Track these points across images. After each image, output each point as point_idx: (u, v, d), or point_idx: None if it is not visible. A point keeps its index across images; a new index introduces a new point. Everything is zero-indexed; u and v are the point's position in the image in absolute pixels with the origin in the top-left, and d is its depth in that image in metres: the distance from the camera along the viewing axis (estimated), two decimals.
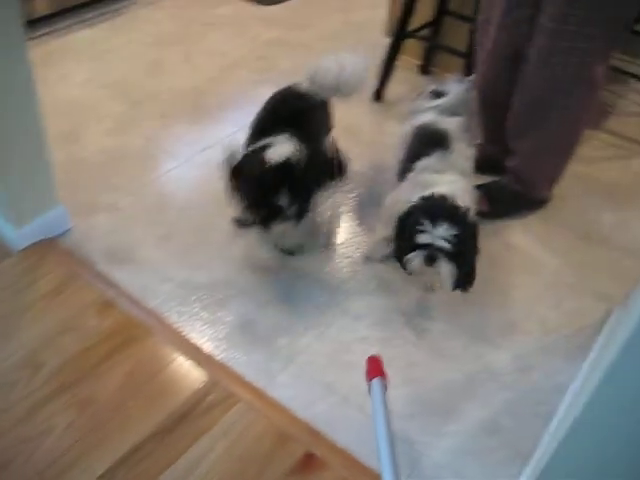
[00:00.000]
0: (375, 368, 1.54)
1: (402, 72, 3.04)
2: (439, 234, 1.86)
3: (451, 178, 2.02)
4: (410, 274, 1.97)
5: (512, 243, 2.34)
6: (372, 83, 2.93)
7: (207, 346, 1.89)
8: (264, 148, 1.96)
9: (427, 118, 2.21)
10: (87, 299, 1.95)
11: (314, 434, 1.71)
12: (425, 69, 3.17)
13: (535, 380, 1.92)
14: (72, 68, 2.90)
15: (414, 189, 2.00)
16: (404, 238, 1.95)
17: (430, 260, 1.90)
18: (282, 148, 1.94)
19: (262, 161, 1.91)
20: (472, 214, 1.93)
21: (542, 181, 2.48)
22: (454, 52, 2.74)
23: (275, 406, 1.76)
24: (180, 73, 2.97)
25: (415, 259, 1.91)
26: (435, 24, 3.03)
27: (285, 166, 1.90)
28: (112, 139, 2.55)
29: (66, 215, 2.14)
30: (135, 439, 1.64)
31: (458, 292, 2.10)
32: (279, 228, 1.99)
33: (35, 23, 3.04)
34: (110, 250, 2.12)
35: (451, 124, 2.18)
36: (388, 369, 1.86)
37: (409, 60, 3.15)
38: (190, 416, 1.70)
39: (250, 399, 1.76)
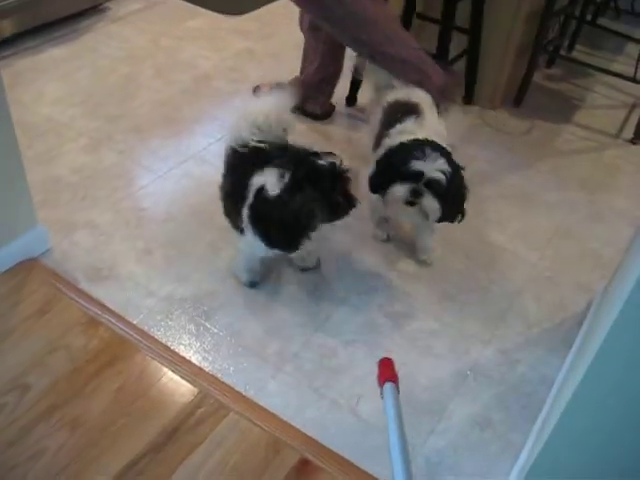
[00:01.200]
0: (387, 371, 1.51)
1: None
2: (435, 166, 1.88)
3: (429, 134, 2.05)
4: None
5: (490, 240, 2.37)
6: (346, 87, 2.95)
7: (195, 359, 1.89)
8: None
9: (398, 94, 2.27)
10: (72, 318, 1.94)
11: (307, 440, 1.72)
12: None
13: (522, 373, 1.96)
14: (44, 87, 2.88)
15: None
16: (392, 166, 1.95)
17: (416, 195, 1.93)
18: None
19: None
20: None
21: None
22: None
23: (267, 414, 1.76)
24: (153, 87, 2.97)
25: (399, 190, 1.93)
26: (404, 25, 3.05)
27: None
28: (87, 156, 2.54)
29: (46, 235, 2.13)
30: (128, 457, 1.63)
31: (437, 291, 2.14)
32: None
33: (2, 44, 3.02)
34: (91, 267, 2.11)
35: (421, 97, 2.24)
36: (375, 371, 1.89)
37: None
38: (182, 430, 1.70)
39: (241, 409, 1.76)
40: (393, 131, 2.12)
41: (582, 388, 1.11)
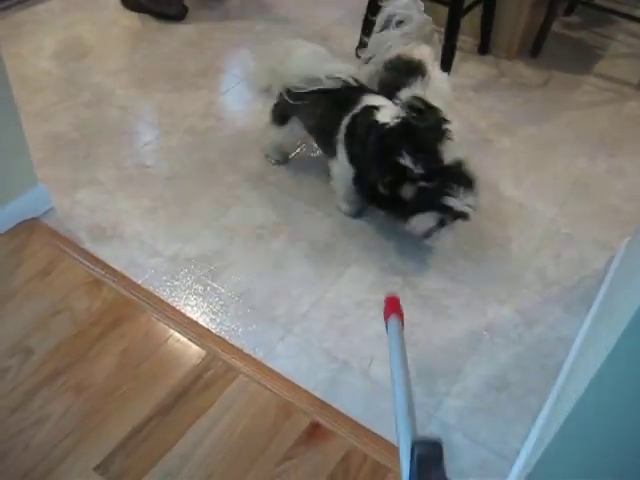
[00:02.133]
0: (392, 307, 1.51)
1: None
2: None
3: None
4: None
5: (506, 195, 2.29)
6: (355, 38, 2.84)
7: (202, 320, 1.83)
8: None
9: (397, 50, 2.20)
10: (75, 279, 1.88)
11: (318, 403, 1.67)
12: None
13: (539, 333, 1.89)
14: (43, 40, 2.78)
15: None
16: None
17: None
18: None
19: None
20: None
21: None
22: (438, 1, 2.63)
23: (276, 377, 1.71)
24: (156, 39, 2.86)
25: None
26: None
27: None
28: (89, 112, 2.45)
29: (47, 194, 2.06)
30: (134, 421, 1.59)
31: (451, 248, 2.10)
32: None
33: None
34: (95, 227, 2.05)
35: (422, 53, 2.18)
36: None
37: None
38: (189, 393, 1.66)
39: (250, 371, 1.71)
40: (401, 97, 2.04)
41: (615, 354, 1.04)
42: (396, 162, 1.91)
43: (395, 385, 1.28)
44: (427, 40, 2.27)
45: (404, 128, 1.93)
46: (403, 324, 1.47)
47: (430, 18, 2.30)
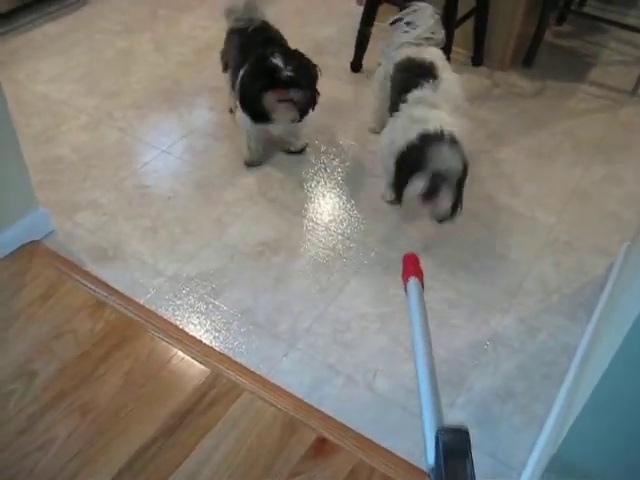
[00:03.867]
0: (411, 267, 1.39)
1: (378, 40, 2.96)
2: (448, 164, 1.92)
3: (443, 115, 2.03)
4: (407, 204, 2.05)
5: (504, 205, 2.30)
6: (349, 53, 2.86)
7: (205, 338, 1.84)
8: None
9: (408, 52, 2.23)
10: (78, 301, 1.88)
11: (324, 418, 1.67)
12: None
13: (542, 342, 1.90)
14: (40, 65, 2.80)
15: (410, 126, 2.02)
16: (407, 170, 1.98)
17: (434, 188, 1.94)
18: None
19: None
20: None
21: None
22: None
23: (281, 393, 1.71)
24: (152, 61, 2.88)
25: (418, 184, 1.94)
26: None
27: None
28: (87, 134, 2.47)
29: (47, 217, 2.07)
30: (140, 442, 1.59)
31: (453, 259, 2.09)
32: None
33: None
34: (96, 248, 2.05)
35: (432, 54, 2.21)
36: (393, 344, 1.84)
37: (383, 27, 3.07)
38: (195, 412, 1.65)
39: (255, 388, 1.71)
40: (412, 98, 2.08)
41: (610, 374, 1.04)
42: (268, 62, 2.09)
43: (417, 359, 1.13)
44: (438, 44, 2.29)
45: (278, 44, 2.24)
46: (423, 286, 1.33)
47: (440, 22, 2.30)
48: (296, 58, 2.15)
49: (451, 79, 2.17)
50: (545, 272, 2.08)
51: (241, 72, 2.22)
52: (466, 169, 2.00)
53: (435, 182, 1.94)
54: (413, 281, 1.31)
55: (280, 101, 2.16)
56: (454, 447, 0.88)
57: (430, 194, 1.96)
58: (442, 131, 1.95)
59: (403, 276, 1.36)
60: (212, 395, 1.69)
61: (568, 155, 2.52)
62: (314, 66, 2.22)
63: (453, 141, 1.95)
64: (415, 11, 2.26)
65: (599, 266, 2.10)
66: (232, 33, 2.42)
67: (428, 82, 2.09)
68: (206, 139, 2.48)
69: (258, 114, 2.21)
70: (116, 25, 3.11)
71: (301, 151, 2.44)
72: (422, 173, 1.94)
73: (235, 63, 2.29)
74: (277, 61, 2.09)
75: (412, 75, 2.14)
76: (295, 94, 2.16)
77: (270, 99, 2.15)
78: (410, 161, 1.98)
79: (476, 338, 1.89)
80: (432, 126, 1.96)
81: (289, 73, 2.10)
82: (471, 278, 2.05)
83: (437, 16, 2.27)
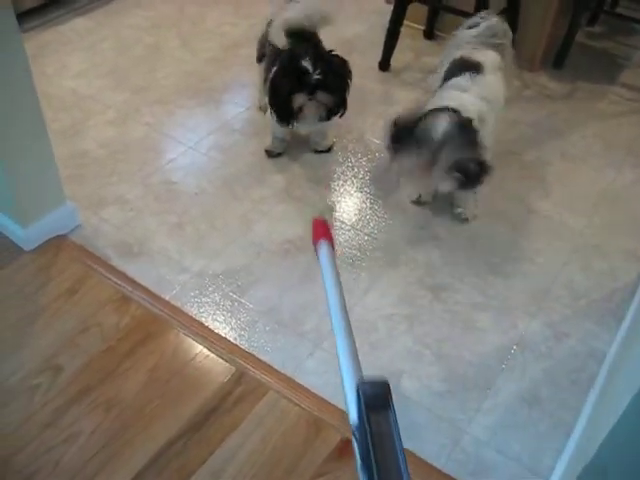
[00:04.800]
0: (321, 230, 1.35)
1: (406, 39, 2.95)
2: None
3: (468, 98, 2.05)
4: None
5: (534, 208, 2.27)
6: (378, 52, 2.84)
7: (230, 336, 1.83)
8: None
9: (463, 52, 2.24)
10: (103, 296, 1.89)
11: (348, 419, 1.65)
12: (430, 34, 3.07)
13: (570, 347, 1.87)
14: (68, 59, 2.82)
15: (433, 102, 2.07)
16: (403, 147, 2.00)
17: (426, 158, 1.94)
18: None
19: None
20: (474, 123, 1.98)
21: None
22: (460, 13, 2.63)
23: (306, 393, 1.70)
24: (179, 57, 2.88)
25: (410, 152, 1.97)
26: None
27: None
28: (114, 129, 2.47)
29: (75, 211, 2.08)
30: (164, 438, 1.59)
31: (480, 262, 2.07)
32: None
33: (25, 16, 2.94)
34: (122, 243, 2.05)
35: (486, 56, 2.21)
36: (419, 346, 1.82)
37: (413, 26, 3.06)
38: (220, 410, 1.65)
39: (280, 387, 1.70)
40: (447, 84, 2.13)
41: None
42: (297, 64, 2.09)
43: (333, 317, 1.13)
44: (499, 49, 2.28)
45: (312, 45, 2.21)
46: (334, 248, 1.31)
47: (507, 28, 2.31)
48: (326, 61, 2.14)
49: (494, 79, 2.17)
50: (574, 276, 2.05)
51: (274, 68, 2.21)
52: (475, 148, 1.97)
53: (428, 153, 1.94)
54: (324, 243, 1.30)
55: (307, 103, 2.16)
56: (375, 399, 0.86)
57: (423, 165, 1.97)
58: (451, 108, 1.96)
59: (313, 240, 1.35)
60: (237, 393, 1.68)
61: (598, 158, 2.49)
62: (346, 70, 2.21)
63: (459, 118, 1.95)
64: (482, 17, 2.29)
65: (630, 271, 2.07)
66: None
67: (467, 73, 2.11)
68: (233, 136, 2.48)
69: (285, 115, 2.20)
70: (143, 21, 3.11)
71: (328, 150, 2.43)
72: (414, 141, 1.96)
73: (270, 58, 2.28)
74: (306, 64, 2.09)
75: (457, 69, 2.17)
76: (322, 97, 2.16)
77: (297, 101, 2.15)
78: (407, 129, 2.00)
79: (503, 342, 1.87)
80: (449, 104, 1.99)
81: (317, 77, 2.10)
82: (498, 281, 2.02)
83: (501, 19, 2.28)
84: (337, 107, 2.22)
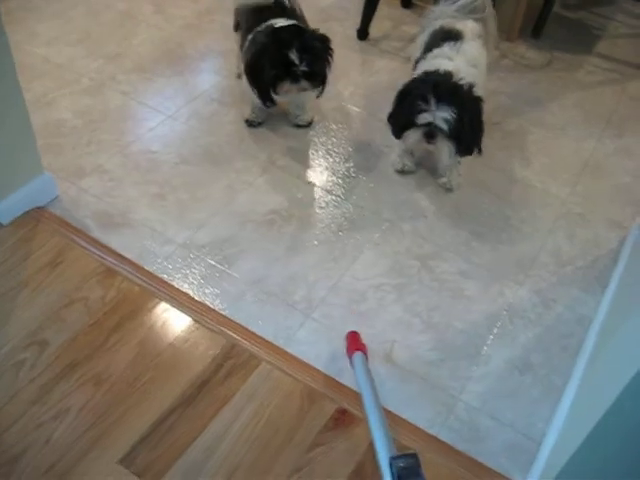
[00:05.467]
0: (354, 343, 1.64)
1: (384, 8, 2.91)
2: (440, 115, 1.96)
3: (456, 64, 2.08)
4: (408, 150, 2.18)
5: (517, 177, 2.27)
6: (356, 21, 2.80)
7: (219, 307, 1.79)
8: None
9: (442, 22, 2.24)
10: (87, 269, 1.83)
11: (343, 389, 1.64)
12: (407, 2, 3.03)
13: (558, 314, 1.88)
14: (36, 27, 2.70)
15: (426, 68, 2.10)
16: (404, 113, 2.05)
17: (429, 137, 2.03)
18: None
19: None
20: (474, 90, 2.02)
21: None
22: None
23: (299, 364, 1.68)
24: (153, 24, 2.79)
25: (413, 135, 2.04)
26: None
27: None
28: (90, 98, 2.39)
29: (52, 182, 2.00)
30: (156, 413, 1.55)
31: (466, 231, 2.06)
32: None
33: None
34: (103, 214, 1.99)
35: (465, 25, 2.22)
36: (409, 315, 1.82)
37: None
38: (211, 383, 1.62)
39: (272, 359, 1.68)
40: (429, 55, 2.13)
41: None
42: (284, 55, 2.06)
43: (369, 416, 1.38)
44: (481, 19, 2.29)
45: (295, 29, 2.11)
46: (367, 357, 1.60)
47: (487, 1, 2.32)
48: (312, 50, 2.10)
49: (474, 45, 2.17)
50: (559, 244, 2.06)
51: (249, 36, 2.16)
52: (477, 111, 2.03)
53: (431, 131, 2.00)
54: (358, 355, 1.58)
55: (290, 88, 2.15)
56: (407, 470, 1.05)
57: (428, 141, 2.04)
58: (447, 72, 2.01)
59: (348, 351, 1.63)
60: (229, 366, 1.66)
61: (578, 127, 2.50)
62: (329, 52, 2.17)
63: (457, 86, 1.99)
64: None
65: (612, 239, 2.09)
66: None
67: (449, 43, 2.12)
68: (212, 105, 2.42)
69: (266, 97, 2.19)
70: None
71: (308, 125, 2.38)
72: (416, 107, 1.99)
73: (247, 25, 2.22)
74: (293, 57, 2.06)
75: (438, 40, 2.15)
76: (306, 84, 2.14)
77: (281, 88, 2.14)
78: (409, 106, 2.02)
79: (492, 310, 1.87)
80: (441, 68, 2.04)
81: (304, 69, 2.09)
82: (484, 249, 2.02)
83: None
84: (318, 86, 2.21)
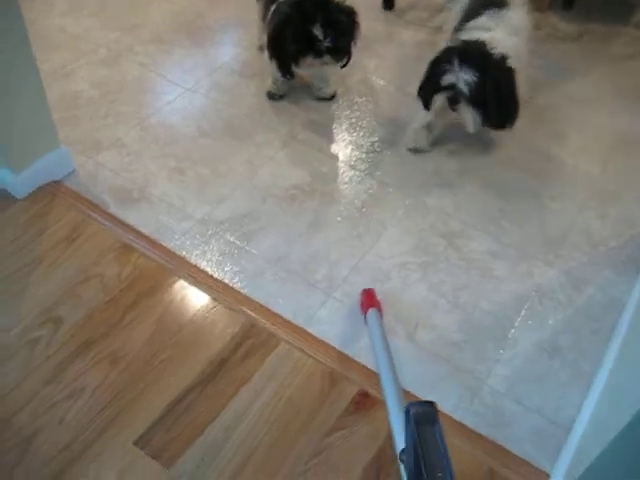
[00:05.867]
0: (369, 299, 1.65)
1: None
2: (463, 77, 1.92)
3: (494, 35, 2.00)
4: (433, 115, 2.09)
5: (547, 153, 2.18)
6: None
7: (238, 286, 1.75)
8: None
9: None
10: (103, 245, 1.79)
11: (365, 371, 1.59)
12: None
13: (589, 296, 1.81)
14: None
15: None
16: (431, 78, 2.02)
17: (453, 102, 1.98)
18: None
19: None
20: (509, 61, 1.95)
21: None
22: None
23: (320, 344, 1.63)
24: None
25: (438, 100, 2.00)
26: None
27: None
28: (107, 69, 2.34)
29: (69, 155, 1.96)
30: (174, 392, 1.52)
31: (494, 209, 1.99)
32: None
33: None
34: (121, 189, 1.95)
35: None
36: (435, 294, 1.76)
37: None
38: (231, 362, 1.58)
39: (292, 339, 1.63)
40: (468, 25, 2.07)
41: None
42: (308, 30, 1.99)
43: (381, 369, 1.40)
44: None
45: (323, 8, 2.01)
46: (382, 316, 1.62)
47: None
48: (337, 25, 2.03)
49: (519, 13, 2.09)
50: (590, 223, 1.98)
51: (272, 7, 2.09)
52: (506, 80, 1.97)
53: (455, 96, 1.96)
54: (373, 311, 1.61)
55: (313, 62, 2.09)
56: (424, 415, 1.01)
57: (452, 107, 2.00)
58: (480, 42, 1.95)
59: (362, 307, 1.65)
60: (248, 345, 1.61)
61: (612, 102, 2.39)
62: (355, 26, 2.10)
63: (488, 54, 1.93)
64: None
65: None
66: None
67: (490, 11, 2.03)
68: (233, 77, 2.35)
69: (287, 70, 2.13)
70: None
71: (331, 98, 2.31)
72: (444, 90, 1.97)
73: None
74: (317, 32, 1.99)
75: (478, 6, 2.08)
76: (329, 60, 2.08)
77: (304, 63, 2.08)
78: (436, 71, 1.99)
79: (520, 291, 1.80)
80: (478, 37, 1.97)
81: (328, 44, 2.02)
82: (513, 228, 1.95)
83: None
84: (342, 60, 2.13)
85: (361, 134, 2.19)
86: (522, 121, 2.21)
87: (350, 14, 2.08)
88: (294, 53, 2.06)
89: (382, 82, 2.39)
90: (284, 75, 2.14)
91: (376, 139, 2.18)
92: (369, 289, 1.69)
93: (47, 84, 1.87)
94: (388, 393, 1.40)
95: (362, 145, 2.15)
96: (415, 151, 2.15)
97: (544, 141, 2.22)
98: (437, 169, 2.10)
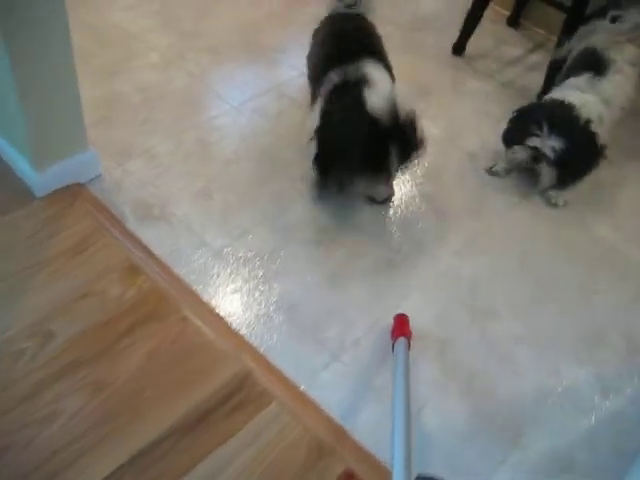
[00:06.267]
0: (402, 327, 1.59)
1: (487, 23, 2.68)
2: (550, 144, 1.94)
3: (589, 96, 2.00)
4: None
5: (599, 236, 2.03)
6: (454, 34, 2.58)
7: (242, 329, 1.64)
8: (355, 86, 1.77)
9: (596, 41, 2.11)
10: (111, 261, 1.70)
11: (357, 448, 1.47)
12: (514, 21, 2.81)
13: (618, 406, 1.65)
14: None
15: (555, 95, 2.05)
16: (517, 130, 2.04)
17: (534, 160, 2.01)
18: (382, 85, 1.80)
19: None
20: (592, 126, 1.96)
21: None
22: (555, 4, 2.36)
23: (314, 410, 1.51)
24: (237, 5, 2.65)
25: (520, 153, 2.02)
26: None
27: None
28: (155, 74, 2.26)
29: (96, 158, 1.89)
30: (151, 435, 1.42)
31: (528, 289, 1.85)
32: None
33: None
34: (143, 204, 1.86)
35: (621, 53, 2.07)
36: (447, 377, 1.62)
37: (496, 9, 2.79)
38: (217, 413, 1.47)
39: (286, 399, 1.52)
40: (565, 83, 2.07)
41: None
42: (385, 159, 1.80)
43: (395, 410, 1.25)
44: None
45: (394, 122, 1.77)
46: (410, 344, 1.55)
47: None
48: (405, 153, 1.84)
49: (619, 78, 2.05)
50: (635, 324, 1.82)
51: (325, 87, 1.87)
52: (589, 146, 1.98)
53: (537, 156, 1.98)
54: (403, 340, 1.52)
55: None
56: None
57: (535, 158, 2.01)
58: (568, 104, 1.95)
59: (393, 334, 1.58)
60: (239, 397, 1.50)
61: None
62: (418, 135, 1.85)
63: (575, 119, 1.94)
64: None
65: None
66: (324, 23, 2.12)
67: (589, 75, 2.02)
68: (282, 101, 2.26)
69: (329, 186, 1.92)
70: None
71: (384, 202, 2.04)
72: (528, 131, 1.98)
73: (315, 72, 1.99)
74: (392, 159, 1.81)
75: (580, 64, 2.07)
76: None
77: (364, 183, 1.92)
78: (523, 125, 2.01)
79: (542, 388, 1.65)
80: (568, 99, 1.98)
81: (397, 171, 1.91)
82: (548, 316, 1.80)
83: None
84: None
85: (401, 183, 2.07)
86: (578, 194, 2.09)
87: (419, 146, 1.86)
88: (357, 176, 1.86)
89: (436, 131, 2.27)
90: (319, 190, 1.95)
91: (416, 193, 2.05)
92: (403, 315, 1.64)
93: (93, 80, 1.81)
94: (396, 446, 1.21)
95: (400, 198, 2.03)
96: (491, 173, 2.17)
97: (597, 220, 2.08)
98: (473, 236, 1.97)
